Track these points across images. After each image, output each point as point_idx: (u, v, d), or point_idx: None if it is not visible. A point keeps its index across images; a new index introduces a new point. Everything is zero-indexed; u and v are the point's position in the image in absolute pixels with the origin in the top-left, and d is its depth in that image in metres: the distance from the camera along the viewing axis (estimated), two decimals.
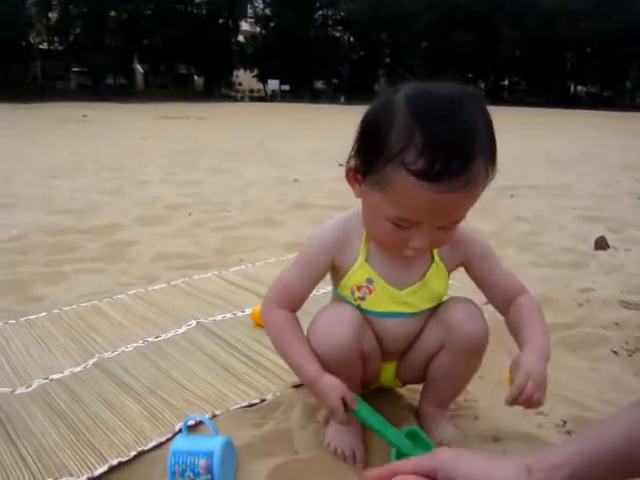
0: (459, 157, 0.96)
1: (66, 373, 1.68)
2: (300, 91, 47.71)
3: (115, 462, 1.26)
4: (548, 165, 7.60)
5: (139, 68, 52.67)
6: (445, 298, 1.31)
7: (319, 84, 57.06)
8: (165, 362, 1.74)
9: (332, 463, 1.26)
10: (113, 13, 47.26)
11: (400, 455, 1.17)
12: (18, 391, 1.58)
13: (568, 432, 1.40)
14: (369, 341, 1.26)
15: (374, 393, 1.29)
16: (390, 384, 1.44)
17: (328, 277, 1.32)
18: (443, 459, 0.90)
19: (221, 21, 52.33)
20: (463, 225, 1.14)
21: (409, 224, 1.06)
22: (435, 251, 1.25)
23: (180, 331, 1.96)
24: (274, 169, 6.67)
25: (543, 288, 2.41)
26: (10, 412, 1.46)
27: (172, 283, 2.48)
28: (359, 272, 1.23)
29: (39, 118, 17.08)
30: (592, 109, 36.86)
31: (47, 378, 1.65)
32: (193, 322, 2.02)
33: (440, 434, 1.32)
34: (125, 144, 9.37)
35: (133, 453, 1.29)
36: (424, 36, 49.27)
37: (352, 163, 1.11)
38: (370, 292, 1.23)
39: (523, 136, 12.07)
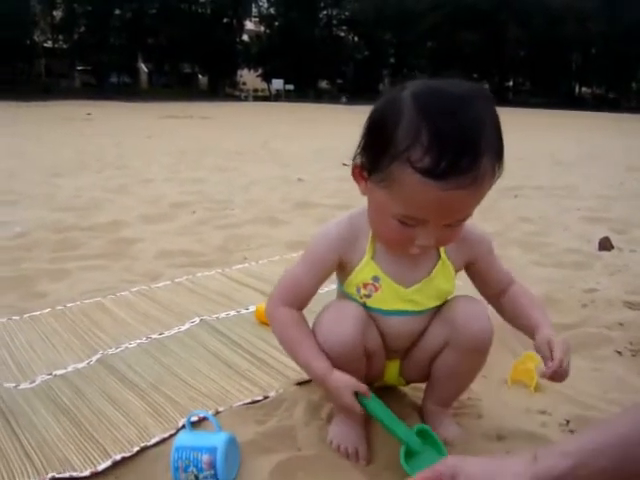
0: (466, 155, 0.96)
1: (69, 369, 1.68)
2: (304, 91, 47.67)
3: (118, 457, 1.26)
4: (552, 166, 7.59)
5: (143, 67, 52.73)
6: (450, 297, 1.31)
7: (323, 84, 57.04)
8: (168, 359, 1.74)
9: (335, 460, 1.26)
10: (117, 12, 47.30)
11: (409, 452, 1.17)
12: (22, 386, 1.58)
13: (572, 431, 1.39)
14: (374, 338, 1.26)
15: (378, 391, 1.29)
16: (394, 382, 1.44)
17: (332, 275, 1.32)
18: (453, 462, 0.92)
19: (225, 20, 52.31)
20: (469, 223, 1.14)
21: (415, 222, 1.06)
22: (442, 249, 1.25)
23: (183, 328, 1.96)
24: (278, 168, 6.67)
25: (547, 288, 2.40)
26: (14, 407, 1.46)
27: (175, 280, 2.48)
28: (365, 270, 1.23)
29: (43, 116, 17.11)
30: (597, 111, 36.75)
31: (51, 374, 1.65)
32: (196, 319, 2.03)
33: (443, 432, 1.31)
34: (129, 143, 9.38)
35: (136, 448, 1.29)
36: (429, 36, 49.23)
37: (358, 160, 1.11)
38: (376, 290, 1.23)
39: (527, 137, 12.05)
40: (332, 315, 1.23)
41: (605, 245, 3.20)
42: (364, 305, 1.25)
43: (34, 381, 1.61)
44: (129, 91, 41.96)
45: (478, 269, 1.32)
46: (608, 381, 1.67)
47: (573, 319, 2.10)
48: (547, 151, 9.57)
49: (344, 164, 6.47)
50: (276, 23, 54.61)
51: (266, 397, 1.51)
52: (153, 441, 1.32)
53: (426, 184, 0.97)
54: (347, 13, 55.40)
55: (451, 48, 46.09)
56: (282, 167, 6.79)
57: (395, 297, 1.23)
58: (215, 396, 1.52)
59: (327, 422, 1.38)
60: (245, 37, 56.01)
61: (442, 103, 0.98)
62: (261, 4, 55.25)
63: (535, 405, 1.52)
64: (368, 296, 1.24)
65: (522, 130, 13.68)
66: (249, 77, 55.59)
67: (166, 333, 1.92)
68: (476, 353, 1.27)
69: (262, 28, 56.06)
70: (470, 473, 0.91)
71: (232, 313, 2.10)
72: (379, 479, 1.22)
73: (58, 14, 47.18)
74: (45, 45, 47.74)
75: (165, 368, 1.68)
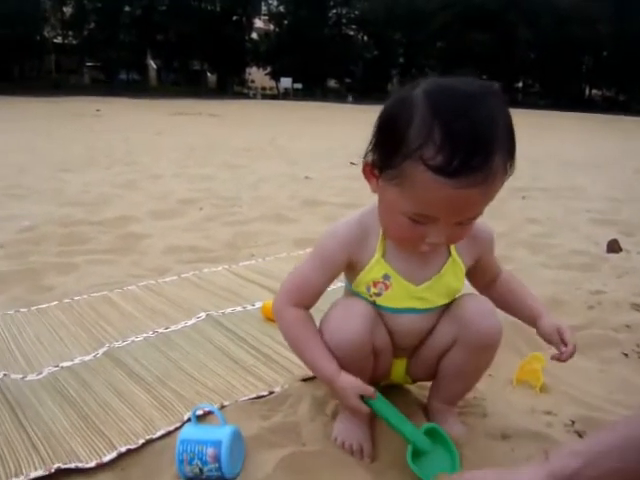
0: (478, 153, 0.96)
1: (76, 361, 1.69)
2: (312, 90, 47.62)
3: (124, 449, 1.27)
4: (561, 167, 7.56)
5: (152, 64, 52.83)
6: (458, 295, 1.31)
7: (331, 83, 56.97)
8: (175, 353, 1.75)
9: (339, 457, 1.26)
10: (127, 8, 47.37)
11: (416, 452, 1.17)
12: (29, 378, 1.59)
13: (577, 432, 1.39)
14: (382, 336, 1.26)
15: (383, 389, 1.29)
16: (400, 381, 1.44)
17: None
18: (470, 476, 0.94)
19: (235, 18, 52.30)
20: (478, 220, 1.14)
21: (426, 220, 1.06)
22: (452, 246, 1.25)
23: (190, 323, 1.97)
24: (285, 166, 6.67)
25: (554, 290, 2.40)
26: (21, 398, 1.47)
27: (182, 276, 2.49)
28: (376, 268, 1.22)
29: (53, 112, 17.18)
30: (607, 113, 36.56)
31: (57, 366, 1.67)
32: (203, 314, 2.03)
33: (448, 431, 1.31)
34: (138, 139, 9.41)
35: (142, 441, 1.30)
36: (439, 36, 49.02)
37: (369, 158, 1.11)
38: (386, 288, 1.23)
39: (536, 138, 12.01)
40: (340, 313, 1.23)
41: (613, 247, 3.19)
42: (374, 303, 1.25)
43: (41, 373, 1.62)
44: (138, 88, 42.04)
45: (481, 264, 1.33)
46: (614, 382, 1.66)
47: (580, 321, 2.09)
48: (555, 153, 9.54)
49: (352, 163, 6.48)
50: (285, 21, 54.55)
51: (271, 392, 1.52)
52: (159, 434, 1.33)
53: (438, 182, 0.97)
54: (357, 12, 55.25)
55: (461, 48, 45.90)
56: (290, 165, 6.79)
57: (405, 295, 1.23)
58: (221, 391, 1.53)
59: (332, 419, 1.38)
60: (254, 35, 55.97)
61: (454, 101, 0.98)
62: (270, 2, 55.24)
63: (540, 405, 1.51)
64: (378, 294, 1.24)
65: (531, 131, 13.63)
66: (258, 75, 55.60)
67: (172, 327, 1.93)
68: (484, 351, 1.27)
69: (271, 26, 56.04)
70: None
71: (238, 309, 2.11)
72: (383, 477, 1.22)
73: (68, 10, 47.33)
74: (55, 41, 47.90)
75: (171, 362, 1.69)
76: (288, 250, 2.98)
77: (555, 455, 0.89)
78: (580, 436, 1.38)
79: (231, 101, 32.68)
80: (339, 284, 1.37)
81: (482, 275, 1.36)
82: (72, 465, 1.21)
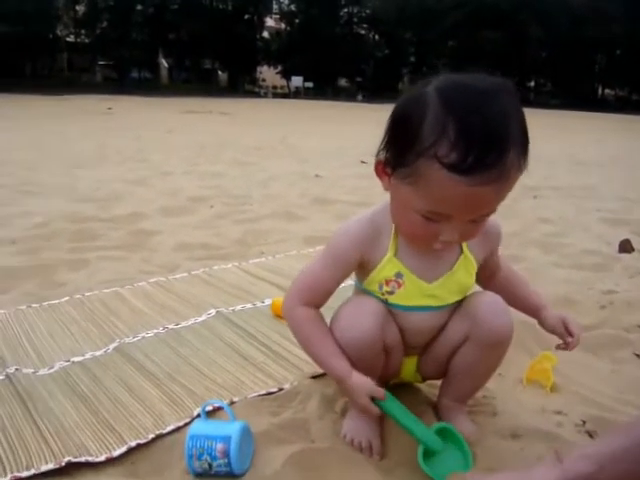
0: (492, 150, 0.96)
1: (87, 356, 1.70)
2: (323, 88, 47.57)
3: (134, 444, 1.27)
4: (573, 167, 7.51)
5: (164, 62, 52.97)
6: (470, 292, 1.31)
7: (342, 82, 56.89)
8: (185, 349, 1.75)
9: (349, 453, 1.26)
10: (139, 7, 47.50)
11: (427, 452, 1.17)
12: (40, 372, 1.60)
13: (588, 432, 1.38)
14: (393, 334, 1.26)
15: (393, 388, 1.29)
16: (410, 379, 1.44)
17: None
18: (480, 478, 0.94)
19: (246, 17, 52.30)
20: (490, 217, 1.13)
21: (440, 217, 1.05)
22: (464, 243, 1.24)
23: (200, 319, 1.98)
24: (296, 164, 6.67)
25: (566, 289, 2.38)
26: (32, 392, 1.48)
27: (193, 272, 2.50)
28: (388, 266, 1.22)
29: (65, 110, 17.28)
30: (620, 113, 36.25)
31: (68, 360, 1.68)
32: (213, 311, 2.04)
33: (458, 429, 1.31)
34: (149, 137, 9.44)
35: (152, 436, 1.30)
36: (450, 35, 48.81)
37: (382, 156, 1.10)
38: (399, 286, 1.22)
39: (548, 137, 11.93)
40: (351, 310, 1.23)
41: (625, 247, 3.16)
42: (385, 302, 1.24)
43: (52, 367, 1.64)
44: (150, 86, 42.18)
45: (488, 263, 1.34)
46: (625, 383, 1.65)
47: (591, 320, 2.08)
48: (568, 152, 9.47)
49: (363, 161, 6.47)
50: (297, 20, 54.48)
51: (281, 389, 1.52)
52: (168, 429, 1.33)
53: (453, 180, 0.97)
54: (368, 11, 55.09)
55: (472, 47, 45.68)
56: (300, 163, 6.79)
57: (418, 293, 1.23)
58: (230, 387, 1.53)
59: (341, 416, 1.38)
60: (265, 34, 56.01)
61: (467, 98, 0.98)
62: (282, 1, 55.19)
63: (551, 405, 1.50)
64: (391, 293, 1.23)
65: (543, 131, 13.54)
66: (269, 74, 55.58)
67: (182, 324, 1.94)
68: (496, 348, 1.27)
69: (282, 25, 56.03)
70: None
71: (248, 306, 2.11)
72: (392, 474, 1.22)
73: (81, 9, 47.56)
74: (68, 40, 48.12)
75: (181, 358, 1.69)
76: (298, 248, 2.99)
77: (568, 459, 0.88)
78: (591, 436, 1.37)
79: (242, 100, 32.73)
80: (349, 282, 1.37)
81: (485, 269, 1.36)
82: (82, 459, 1.21)
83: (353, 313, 1.22)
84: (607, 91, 55.85)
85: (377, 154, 1.11)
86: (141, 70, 49.84)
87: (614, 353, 1.84)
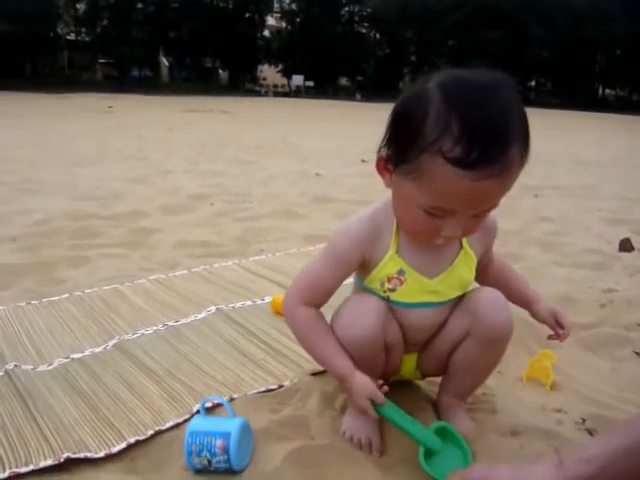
0: (495, 144, 0.96)
1: (87, 353, 1.70)
2: (324, 87, 47.54)
3: (133, 440, 1.27)
4: (573, 166, 7.51)
5: (164, 61, 52.95)
6: (470, 287, 1.31)
7: (343, 81, 56.84)
8: (184, 346, 1.75)
9: (348, 450, 1.26)
10: (140, 5, 47.47)
11: (428, 452, 1.17)
12: (40, 369, 1.60)
13: (587, 430, 1.38)
14: (394, 332, 1.26)
15: (392, 385, 1.29)
16: (410, 376, 1.44)
17: None
18: (482, 469, 0.93)
19: (247, 15, 52.27)
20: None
21: (443, 212, 1.05)
22: (464, 239, 1.24)
23: (200, 316, 1.98)
24: (296, 163, 6.67)
25: (566, 288, 2.38)
26: (31, 389, 1.48)
27: (193, 270, 2.50)
28: (390, 264, 1.21)
29: (65, 108, 17.28)
30: (620, 113, 36.22)
31: (68, 357, 1.68)
32: (213, 308, 2.04)
33: (457, 426, 1.30)
34: (150, 135, 9.44)
35: (151, 432, 1.30)
36: (450, 34, 48.79)
37: (383, 153, 1.10)
38: (401, 283, 1.22)
39: (549, 137, 11.93)
40: (352, 309, 1.23)
41: (625, 246, 3.16)
42: (387, 299, 1.24)
43: (52, 364, 1.64)
44: (150, 84, 42.19)
45: (483, 258, 1.34)
46: (625, 381, 1.65)
47: (591, 319, 2.07)
48: (568, 152, 9.47)
49: (363, 160, 6.47)
50: (297, 19, 54.44)
51: (280, 386, 1.52)
52: (167, 425, 1.33)
53: (457, 174, 0.97)
54: (369, 10, 55.05)
55: (473, 47, 45.65)
56: (301, 162, 6.79)
57: (419, 289, 1.23)
58: (230, 384, 1.53)
59: (341, 413, 1.38)
60: (266, 32, 55.97)
61: (469, 93, 0.98)
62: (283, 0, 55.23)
63: (550, 403, 1.50)
64: (393, 290, 1.23)
65: (543, 130, 13.53)
66: (269, 73, 55.53)
67: (182, 321, 1.94)
68: (496, 344, 1.27)
69: (283, 24, 55.99)
70: (501, 479, 0.92)
71: (248, 303, 2.11)
72: (392, 471, 1.22)
73: (81, 7, 47.52)
74: (68, 38, 48.09)
75: (181, 355, 1.69)
76: (298, 246, 2.99)
77: (568, 460, 0.88)
78: (590, 434, 1.37)
79: (243, 98, 32.72)
80: (349, 279, 1.37)
81: (480, 262, 1.35)
82: (81, 455, 1.21)
83: (354, 311, 1.22)
84: (608, 91, 55.82)
85: (378, 151, 1.11)
86: (142, 68, 49.83)
87: (614, 351, 1.84)
